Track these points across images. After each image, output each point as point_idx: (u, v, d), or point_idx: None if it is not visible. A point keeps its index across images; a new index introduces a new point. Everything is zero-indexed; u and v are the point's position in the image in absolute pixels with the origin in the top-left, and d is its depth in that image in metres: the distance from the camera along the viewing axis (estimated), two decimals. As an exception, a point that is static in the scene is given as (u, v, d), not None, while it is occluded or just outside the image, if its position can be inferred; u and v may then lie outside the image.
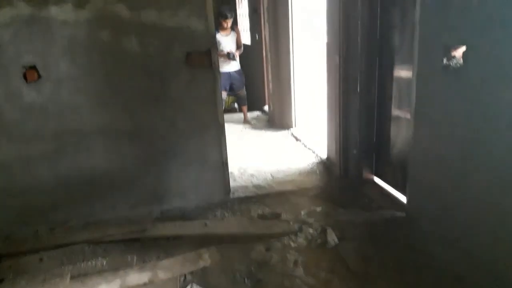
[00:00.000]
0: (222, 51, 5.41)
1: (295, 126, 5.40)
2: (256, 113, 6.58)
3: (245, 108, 5.91)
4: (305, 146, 4.66)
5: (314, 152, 4.38)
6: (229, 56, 5.38)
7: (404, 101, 2.94)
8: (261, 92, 6.68)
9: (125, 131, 3.01)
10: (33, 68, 2.73)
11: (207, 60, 3.04)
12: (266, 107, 6.47)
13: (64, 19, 2.69)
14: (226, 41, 5.43)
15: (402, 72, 2.92)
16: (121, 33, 2.80)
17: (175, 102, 3.04)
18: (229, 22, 5.36)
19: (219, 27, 5.46)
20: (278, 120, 5.77)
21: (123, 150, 3.04)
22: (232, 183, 3.49)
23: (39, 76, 2.74)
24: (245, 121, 5.92)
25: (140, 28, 2.81)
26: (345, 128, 3.51)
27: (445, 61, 2.17)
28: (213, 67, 3.03)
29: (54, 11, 2.66)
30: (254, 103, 6.79)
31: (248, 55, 6.92)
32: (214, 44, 3.01)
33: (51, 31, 2.69)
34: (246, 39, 7.28)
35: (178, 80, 3.00)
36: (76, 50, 2.76)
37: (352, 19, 3.19)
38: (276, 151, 4.58)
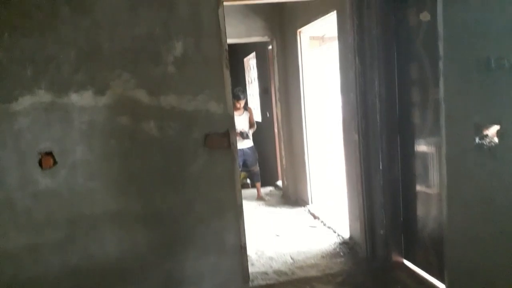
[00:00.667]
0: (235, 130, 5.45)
1: (311, 202, 5.23)
2: (270, 189, 6.45)
3: (258, 184, 5.80)
4: (325, 224, 4.45)
5: (335, 232, 4.16)
6: (243, 135, 5.43)
7: (430, 178, 2.81)
8: (274, 167, 6.61)
9: (139, 217, 2.87)
10: (49, 154, 2.68)
11: (226, 141, 2.99)
12: (279, 182, 6.36)
13: (83, 105, 2.69)
14: (239, 121, 5.48)
15: (427, 149, 2.83)
16: (140, 118, 2.78)
17: (193, 185, 2.93)
18: (242, 103, 5.48)
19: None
20: (293, 195, 5.62)
21: (137, 237, 2.88)
22: (250, 268, 3.25)
23: (55, 162, 2.68)
24: (259, 198, 5.78)
25: (159, 113, 2.80)
26: (369, 206, 3.35)
27: (477, 140, 2.08)
28: (231, 148, 2.97)
29: (74, 98, 2.67)
30: (267, 178, 6.69)
31: (260, 131, 6.98)
32: (233, 125, 2.99)
33: (69, 117, 2.68)
34: (257, 116, 7.40)
35: (196, 162, 2.92)
36: (93, 135, 2.73)
37: (369, 95, 3.18)
38: (294, 230, 4.36)
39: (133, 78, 2.75)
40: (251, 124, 5.67)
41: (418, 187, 2.98)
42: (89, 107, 2.71)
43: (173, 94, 2.82)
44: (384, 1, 3.03)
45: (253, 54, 7.23)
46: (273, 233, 4.30)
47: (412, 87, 2.94)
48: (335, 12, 3.74)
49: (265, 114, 6.95)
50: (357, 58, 3.23)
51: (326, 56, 5.46)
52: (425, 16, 2.74)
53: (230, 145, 3.00)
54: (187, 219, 2.94)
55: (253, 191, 6.07)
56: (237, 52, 8.24)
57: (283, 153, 5.68)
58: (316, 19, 4.25)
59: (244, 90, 5.74)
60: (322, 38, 5.55)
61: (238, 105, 5.46)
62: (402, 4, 2.97)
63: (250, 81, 7.90)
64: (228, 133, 2.99)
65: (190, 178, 2.92)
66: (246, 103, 5.76)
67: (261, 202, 5.62)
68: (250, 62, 7.57)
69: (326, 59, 5.43)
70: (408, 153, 3.03)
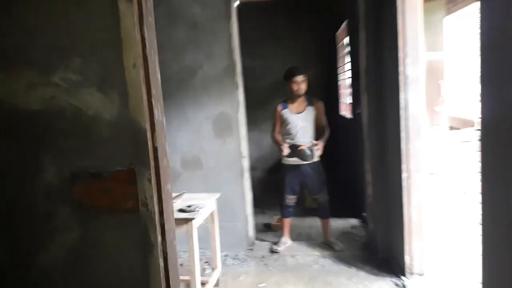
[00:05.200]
0: (289, 136, 3.51)
1: (412, 269, 3.01)
2: (352, 222, 4.32)
3: (326, 222, 3.75)
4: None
5: None
6: (303, 155, 3.43)
7: None
8: (363, 191, 4.43)
9: None
10: None
11: (130, 192, 1.17)
12: (365, 214, 4.17)
13: None
14: (297, 121, 3.52)
15: None
16: None
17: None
18: (301, 86, 3.47)
19: (287, 99, 3.60)
20: (382, 248, 3.44)
21: None
22: None
23: None
24: (326, 241, 3.74)
25: None
26: None
27: None
28: (144, 211, 1.14)
29: None
30: (350, 205, 4.57)
31: (347, 134, 4.88)
32: (143, 155, 1.13)
33: None
34: (346, 112, 5.28)
35: (50, 245, 1.17)
36: None
37: None
38: None
39: None
40: (319, 130, 3.63)
41: None
42: None
43: None
44: None
45: (344, 25, 5.08)
46: None
47: None
48: None
49: (355, 111, 4.77)
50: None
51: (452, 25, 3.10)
52: None
53: (137, 205, 1.16)
54: None
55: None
56: (326, 24, 6.15)
57: (369, 175, 3.52)
58: None
59: (300, 67, 3.68)
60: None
61: (295, 88, 3.49)
62: None
63: (342, 66, 5.74)
64: (134, 172, 1.16)
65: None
66: (313, 96, 3.72)
67: (326, 252, 3.58)
68: (343, 38, 5.41)
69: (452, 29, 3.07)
70: None
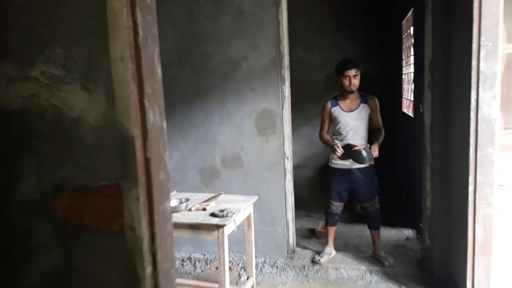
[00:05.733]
0: (339, 136, 3.19)
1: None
2: (406, 233, 3.89)
3: (376, 234, 3.37)
4: None
5: None
6: (357, 157, 2.99)
7: None
8: (419, 194, 3.98)
9: None
10: None
11: (114, 212, 0.96)
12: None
13: None
14: (348, 120, 3.17)
15: None
16: None
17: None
18: (354, 81, 3.11)
19: (338, 96, 3.27)
20: (439, 265, 3.04)
21: None
22: None
23: None
24: (375, 254, 3.37)
25: None
26: None
27: None
28: (130, 236, 0.94)
29: None
30: (404, 213, 4.14)
31: (407, 134, 4.45)
32: (130, 168, 0.92)
33: None
34: (408, 109, 4.80)
35: (29, 266, 1.01)
36: None
37: None
38: None
39: None
40: (374, 129, 3.25)
41: None
42: None
43: None
44: None
45: (410, 13, 4.57)
46: None
47: None
48: None
49: (418, 108, 4.29)
50: None
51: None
52: None
53: (123, 228, 0.96)
54: None
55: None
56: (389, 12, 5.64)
57: (428, 184, 3.10)
58: None
59: (354, 60, 3.29)
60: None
61: (346, 84, 3.12)
62: None
63: (406, 59, 5.21)
64: (120, 188, 0.95)
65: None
66: (367, 91, 3.33)
67: (374, 267, 3.22)
68: (408, 27, 4.89)
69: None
70: None
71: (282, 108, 3.26)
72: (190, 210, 2.66)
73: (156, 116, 0.99)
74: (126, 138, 0.92)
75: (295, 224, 3.59)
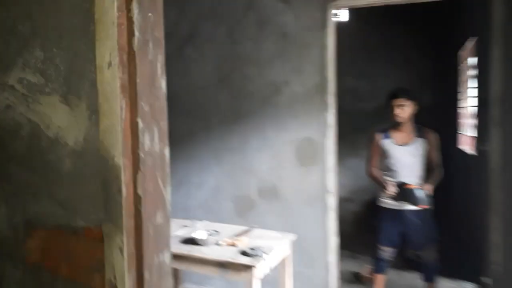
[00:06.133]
0: (390, 173, 2.85)
1: None
2: (467, 287, 3.38)
3: (432, 287, 2.91)
4: None
5: None
6: (411, 197, 2.65)
7: None
8: (483, 246, 3.47)
9: None
10: None
11: (98, 263, 0.73)
12: (487, 280, 3.21)
13: None
14: (401, 156, 2.82)
15: None
16: None
17: None
18: (403, 112, 2.78)
19: (389, 127, 2.96)
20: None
21: None
22: None
23: None
24: (430, 313, 2.90)
25: None
26: None
27: None
28: None
29: None
30: (463, 263, 3.63)
31: (465, 173, 3.99)
32: (114, 208, 0.69)
33: None
34: (467, 145, 4.33)
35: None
36: None
37: None
38: None
39: None
40: (431, 167, 2.86)
41: None
42: None
43: None
44: None
45: (471, 43, 4.17)
46: None
47: None
48: None
49: (481, 145, 3.82)
50: None
51: None
52: None
53: (103, 285, 0.72)
54: None
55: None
56: (447, 44, 5.24)
57: (495, 235, 2.64)
58: None
59: (405, 89, 2.96)
60: None
61: (398, 113, 2.81)
62: None
63: (463, 91, 4.76)
64: (102, 233, 0.72)
65: None
66: (423, 125, 2.97)
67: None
68: (467, 59, 4.48)
69: None
70: None
71: (326, 137, 2.97)
72: (219, 244, 2.42)
73: (154, 141, 0.77)
74: (110, 167, 0.70)
75: (338, 266, 3.22)
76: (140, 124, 0.73)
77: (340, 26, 3.21)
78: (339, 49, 3.13)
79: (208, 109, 3.27)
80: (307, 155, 3.01)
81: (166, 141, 0.82)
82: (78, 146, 0.73)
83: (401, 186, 2.68)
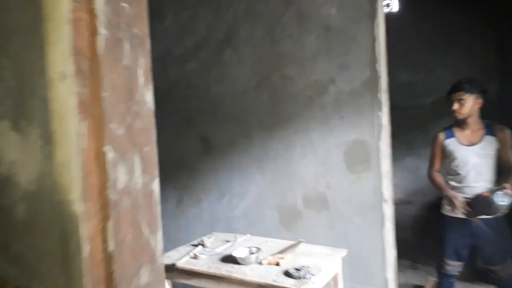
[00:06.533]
0: (456, 176, 2.48)
1: None
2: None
3: (509, 307, 2.51)
4: None
5: None
6: (490, 207, 2.26)
7: None
8: None
9: None
10: None
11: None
12: None
13: None
14: (468, 156, 2.45)
15: None
16: None
17: None
18: (462, 107, 2.41)
19: (453, 125, 2.60)
20: None
21: None
22: None
23: None
24: None
25: None
26: None
27: None
28: None
29: None
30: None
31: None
32: (73, 271, 0.49)
33: None
34: None
35: None
36: None
37: None
38: None
39: None
40: (503, 169, 2.45)
41: None
42: None
43: None
44: None
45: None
46: None
47: None
48: None
49: None
50: None
51: None
52: None
53: None
54: None
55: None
56: None
57: None
58: None
59: (468, 80, 2.57)
60: None
61: (456, 109, 2.46)
62: None
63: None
64: None
65: None
66: (493, 120, 2.57)
67: None
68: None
69: None
70: None
71: (379, 139, 2.66)
72: (260, 263, 2.21)
73: (134, 174, 0.57)
74: (67, 216, 0.51)
75: (396, 282, 2.89)
76: (110, 154, 0.54)
77: (389, 16, 2.88)
78: (389, 41, 2.81)
79: (248, 114, 3.08)
80: (358, 159, 2.72)
81: (155, 171, 0.61)
82: (31, 186, 0.55)
83: (475, 199, 2.32)
